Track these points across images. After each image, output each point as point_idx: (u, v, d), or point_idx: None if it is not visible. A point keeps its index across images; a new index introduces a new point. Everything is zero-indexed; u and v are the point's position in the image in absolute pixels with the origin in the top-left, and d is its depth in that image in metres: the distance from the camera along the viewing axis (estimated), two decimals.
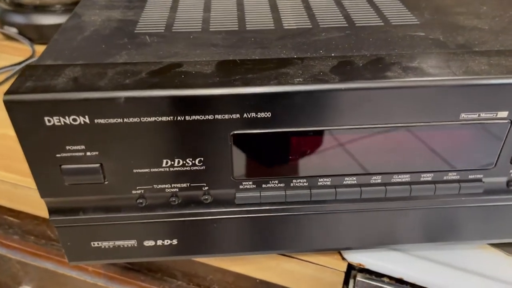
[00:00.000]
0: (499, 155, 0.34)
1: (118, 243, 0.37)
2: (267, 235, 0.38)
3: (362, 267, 0.42)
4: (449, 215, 0.38)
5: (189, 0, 0.44)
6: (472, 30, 0.37)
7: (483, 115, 0.32)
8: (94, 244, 0.37)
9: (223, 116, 0.30)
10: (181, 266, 0.53)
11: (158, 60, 0.33)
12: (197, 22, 0.39)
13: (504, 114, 0.32)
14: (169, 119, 0.30)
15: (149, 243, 0.37)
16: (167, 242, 0.37)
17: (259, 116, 0.31)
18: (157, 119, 0.30)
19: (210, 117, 0.30)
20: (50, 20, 0.76)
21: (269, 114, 0.31)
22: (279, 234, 0.38)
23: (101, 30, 0.38)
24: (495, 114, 0.32)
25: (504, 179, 0.36)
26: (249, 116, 0.31)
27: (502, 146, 0.34)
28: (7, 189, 0.50)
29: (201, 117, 0.30)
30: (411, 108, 0.31)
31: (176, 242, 0.38)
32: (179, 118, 0.30)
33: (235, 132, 0.31)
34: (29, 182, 0.48)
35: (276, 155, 0.33)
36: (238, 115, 0.30)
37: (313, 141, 0.32)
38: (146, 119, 0.30)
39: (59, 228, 0.36)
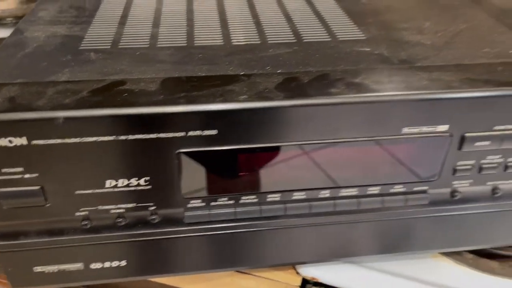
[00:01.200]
0: (441, 168, 0.35)
1: (63, 267, 0.36)
2: (220, 253, 0.38)
3: (316, 281, 0.43)
4: (398, 226, 0.39)
5: (139, 15, 0.44)
6: (415, 45, 0.38)
7: (424, 129, 0.33)
8: (37, 269, 0.35)
9: (167, 135, 0.30)
10: (137, 286, 0.52)
11: (101, 78, 0.32)
12: (145, 37, 0.39)
13: (444, 127, 0.33)
14: (111, 138, 0.29)
15: (96, 265, 0.36)
16: (116, 263, 0.36)
17: (204, 134, 0.30)
18: (98, 139, 0.29)
19: (154, 136, 0.30)
20: (2, 34, 0.74)
21: (215, 132, 0.30)
22: (231, 251, 0.38)
23: (44, 47, 0.36)
24: (435, 128, 0.33)
25: (448, 190, 0.37)
26: (194, 134, 0.30)
27: (444, 158, 0.34)
28: None
29: (144, 136, 0.30)
30: (356, 123, 0.32)
31: (125, 263, 0.37)
32: (121, 137, 0.29)
33: (181, 150, 0.31)
34: None
35: (224, 172, 0.33)
36: (183, 133, 0.30)
37: (261, 157, 0.32)
38: (87, 139, 0.29)
39: None
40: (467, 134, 0.33)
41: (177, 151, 0.31)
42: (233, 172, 0.33)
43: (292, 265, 0.43)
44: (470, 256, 0.45)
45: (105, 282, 0.38)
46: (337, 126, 0.32)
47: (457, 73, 0.33)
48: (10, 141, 0.29)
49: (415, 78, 0.33)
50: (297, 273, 0.43)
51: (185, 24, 0.42)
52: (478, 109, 0.32)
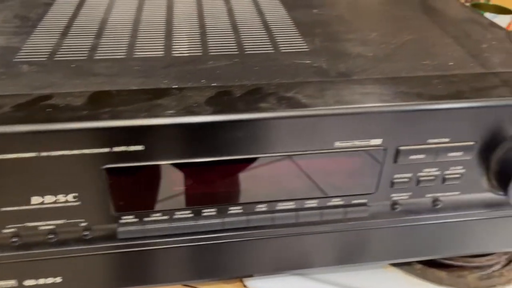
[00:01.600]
0: (378, 181, 0.35)
1: None
2: (158, 267, 0.37)
3: None
4: (344, 238, 0.39)
5: (83, 25, 0.43)
6: (357, 57, 0.38)
7: (357, 143, 0.32)
8: None
9: (92, 151, 0.29)
10: None
11: (29, 92, 0.31)
12: (84, 49, 0.38)
13: (377, 141, 0.33)
14: (34, 155, 0.29)
15: (30, 282, 0.35)
16: (50, 280, 0.36)
17: (130, 149, 0.30)
18: (21, 155, 0.29)
19: (77, 152, 0.29)
20: None
21: (141, 147, 0.30)
22: (170, 266, 0.37)
23: None
24: (368, 142, 0.33)
25: (388, 203, 0.37)
26: (119, 150, 0.30)
27: (380, 172, 0.34)
28: None
29: (67, 153, 0.29)
30: (287, 138, 0.32)
31: (60, 280, 0.36)
32: (43, 154, 0.29)
33: (108, 166, 0.30)
34: None
35: (153, 187, 0.32)
36: (108, 149, 0.30)
37: (190, 172, 0.32)
38: (8, 156, 0.29)
39: None
40: (401, 148, 0.33)
41: (103, 167, 0.30)
42: (162, 187, 0.32)
43: (239, 278, 0.42)
44: (419, 266, 0.45)
45: None
46: (268, 141, 0.31)
47: (392, 86, 0.33)
48: None
49: (348, 92, 0.33)
50: (244, 286, 0.42)
51: (129, 35, 0.41)
52: (410, 122, 0.32)
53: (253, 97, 0.32)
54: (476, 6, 0.92)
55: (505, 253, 0.47)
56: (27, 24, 0.43)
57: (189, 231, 0.35)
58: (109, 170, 0.30)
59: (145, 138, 0.30)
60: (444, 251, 0.42)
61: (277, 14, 0.48)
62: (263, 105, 0.31)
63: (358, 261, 0.41)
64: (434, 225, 0.39)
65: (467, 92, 0.33)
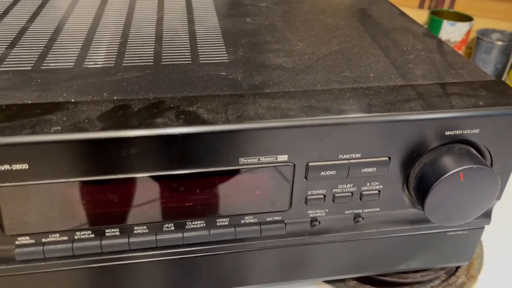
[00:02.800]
0: (291, 197, 0.34)
1: None
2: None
3: None
4: (266, 257, 0.37)
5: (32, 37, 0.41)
6: (275, 69, 0.37)
7: (263, 159, 0.31)
8: None
9: None
10: None
11: None
12: None
13: (284, 157, 0.31)
14: None
15: None
16: None
17: (14, 168, 0.28)
18: None
19: None
20: None
21: (26, 166, 0.28)
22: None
23: None
24: (275, 158, 0.31)
25: (306, 220, 0.35)
26: (3, 168, 0.28)
27: (292, 188, 0.33)
28: None
29: None
30: (188, 155, 0.30)
31: None
32: None
33: None
34: None
35: (42, 208, 0.30)
36: None
37: (80, 191, 0.30)
38: None
39: None
40: (310, 164, 0.32)
41: None
42: (52, 207, 0.31)
43: None
44: (353, 283, 0.44)
45: None
46: (168, 159, 0.30)
47: (301, 100, 0.32)
48: None
49: (253, 107, 0.31)
50: None
51: (44, 45, 0.40)
52: (318, 138, 0.31)
53: (151, 112, 0.30)
54: (436, 14, 0.92)
55: (442, 268, 0.46)
56: None
57: (92, 251, 0.33)
58: None
59: (29, 156, 0.28)
60: (373, 268, 0.41)
61: (207, 23, 0.46)
62: (159, 120, 0.29)
63: (288, 279, 0.40)
64: (358, 242, 0.38)
65: (377, 105, 0.32)
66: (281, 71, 0.37)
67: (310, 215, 0.35)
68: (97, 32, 0.43)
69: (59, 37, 0.41)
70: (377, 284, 0.44)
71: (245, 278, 0.39)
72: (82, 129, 0.28)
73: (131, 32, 0.43)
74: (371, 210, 0.36)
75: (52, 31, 0.43)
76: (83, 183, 0.30)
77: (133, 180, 0.30)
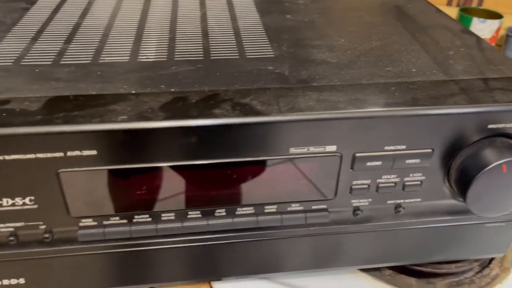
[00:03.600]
0: (336, 187, 0.35)
1: None
2: (121, 270, 0.38)
3: None
4: (308, 244, 0.39)
5: (55, 30, 0.44)
6: (320, 63, 0.38)
7: (312, 149, 0.33)
8: None
9: (46, 155, 0.30)
10: None
11: None
12: (52, 54, 0.39)
13: (332, 148, 0.33)
14: None
15: None
16: (14, 281, 0.36)
17: (84, 154, 0.30)
18: None
19: (32, 156, 0.30)
20: None
21: (94, 152, 0.30)
22: (133, 269, 0.38)
23: None
24: (323, 148, 0.33)
25: (349, 209, 0.37)
26: (73, 154, 0.30)
27: (338, 177, 0.35)
28: None
29: (21, 157, 0.30)
30: (242, 144, 0.32)
31: (23, 281, 0.36)
32: None
33: (62, 170, 0.31)
34: None
35: (108, 191, 0.33)
36: (62, 153, 0.30)
37: (145, 177, 0.32)
38: None
39: None
40: (357, 154, 0.33)
41: (58, 171, 0.31)
42: (118, 191, 0.33)
43: (207, 281, 0.43)
44: (388, 272, 0.45)
45: None
46: (223, 147, 0.32)
47: (348, 93, 0.34)
48: None
49: (303, 99, 0.33)
50: None
51: (98, 40, 0.42)
52: (366, 129, 0.32)
53: (208, 103, 0.32)
54: (465, 11, 0.92)
55: (477, 260, 0.47)
56: (1, 29, 0.43)
57: (149, 234, 0.35)
58: (64, 174, 0.31)
59: (98, 143, 0.30)
60: (410, 257, 0.42)
61: (249, 20, 0.48)
62: (216, 111, 0.31)
63: (324, 267, 0.41)
64: (398, 232, 0.39)
65: (423, 99, 0.33)
66: (326, 66, 0.38)
67: (354, 204, 0.37)
68: (145, 28, 0.45)
69: (111, 33, 0.44)
70: (412, 274, 0.46)
71: (283, 265, 0.41)
72: (147, 118, 0.30)
73: (178, 28, 0.45)
74: (412, 200, 0.37)
75: (104, 27, 0.45)
76: (145, 169, 0.32)
77: (190, 167, 0.32)
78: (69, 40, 0.42)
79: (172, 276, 0.40)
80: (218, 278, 0.42)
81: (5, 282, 0.36)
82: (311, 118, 0.31)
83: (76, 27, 0.45)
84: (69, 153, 0.30)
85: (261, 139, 0.32)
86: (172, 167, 0.32)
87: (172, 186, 0.33)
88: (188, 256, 0.38)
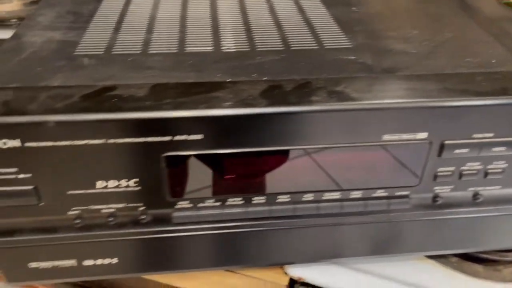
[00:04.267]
0: (422, 173, 0.36)
1: (56, 263, 0.37)
2: (208, 252, 0.39)
3: (302, 281, 0.44)
4: (383, 229, 0.40)
5: (133, 21, 0.45)
6: (399, 54, 0.39)
7: (404, 136, 0.34)
8: (31, 265, 0.37)
9: (154, 139, 0.31)
10: (132, 283, 0.53)
11: (92, 83, 0.33)
12: (137, 44, 0.40)
13: (423, 135, 0.34)
14: (100, 142, 0.31)
15: (88, 262, 0.38)
16: (107, 261, 0.38)
17: (190, 138, 0.32)
18: (88, 142, 0.31)
19: (141, 140, 0.31)
20: (6, 35, 0.75)
21: (200, 136, 0.32)
22: (220, 251, 0.39)
23: (39, 52, 0.38)
24: (414, 136, 0.34)
25: (429, 195, 0.38)
26: (180, 139, 0.32)
27: (425, 164, 0.36)
28: None
29: (132, 140, 0.31)
30: (336, 130, 0.33)
31: (116, 261, 0.38)
32: (110, 141, 0.31)
33: (168, 154, 0.32)
34: None
35: (209, 175, 0.34)
36: (169, 138, 0.31)
37: (245, 161, 0.34)
38: (78, 142, 0.31)
39: None
40: (446, 142, 0.34)
41: (164, 154, 0.32)
42: (218, 174, 0.34)
43: (281, 265, 0.44)
44: (454, 259, 0.46)
45: (98, 279, 0.40)
46: (318, 133, 0.33)
47: (436, 83, 0.35)
48: (4, 143, 0.30)
49: (394, 87, 0.34)
50: (285, 273, 0.44)
51: (178, 31, 0.43)
52: (456, 118, 0.33)
53: (303, 91, 0.33)
54: (509, 5, 0.92)
55: None
56: (81, 19, 0.45)
57: (240, 217, 0.36)
58: (169, 157, 0.32)
59: (204, 128, 0.31)
60: (483, 244, 0.43)
61: (317, 11, 0.49)
62: (313, 98, 0.32)
63: (396, 252, 0.42)
64: (474, 219, 0.40)
65: (511, 88, 0.34)
66: (406, 56, 0.39)
67: (436, 191, 0.38)
68: (219, 19, 0.46)
69: (187, 24, 0.45)
70: (477, 261, 0.47)
71: (354, 250, 0.42)
72: (251, 104, 0.31)
73: (250, 20, 0.46)
74: (492, 187, 0.38)
75: (178, 18, 0.46)
76: (245, 154, 0.33)
77: (286, 152, 0.34)
78: (149, 30, 0.43)
79: (252, 259, 0.41)
80: (292, 262, 0.43)
81: (99, 261, 0.38)
82: (405, 106, 0.32)
83: (152, 18, 0.46)
84: (176, 137, 0.31)
85: (356, 126, 0.33)
86: (269, 152, 0.33)
87: (267, 170, 0.35)
88: (271, 240, 0.39)
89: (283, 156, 0.34)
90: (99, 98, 0.32)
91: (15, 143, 0.30)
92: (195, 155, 0.32)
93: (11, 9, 0.77)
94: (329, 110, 0.32)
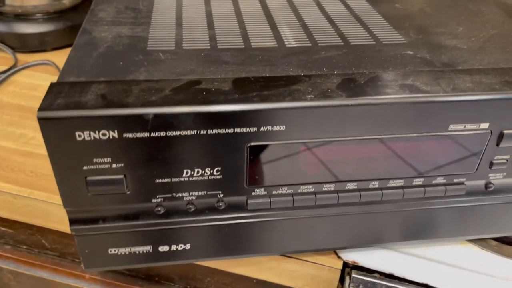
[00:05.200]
0: (480, 161, 0.39)
1: (134, 249, 0.39)
2: (274, 238, 0.41)
3: (356, 264, 0.46)
4: (435, 215, 0.43)
5: (191, 16, 0.47)
6: (453, 49, 0.42)
7: (468, 126, 0.36)
8: (111, 251, 0.39)
9: (242, 130, 0.33)
10: (179, 270, 0.55)
11: (177, 78, 0.35)
12: (204, 39, 0.42)
13: (485, 125, 0.36)
14: (193, 133, 0.33)
15: (163, 248, 0.39)
16: (181, 247, 0.40)
17: (274, 129, 0.34)
18: (181, 133, 0.33)
19: (230, 130, 0.33)
20: (32, 29, 0.76)
21: (283, 127, 0.34)
22: (284, 237, 0.41)
23: (114, 47, 0.39)
24: (478, 126, 0.36)
25: (483, 182, 0.41)
26: (265, 129, 0.34)
27: (483, 153, 0.38)
28: (6, 199, 0.51)
29: (222, 131, 0.33)
30: (408, 121, 0.35)
31: (189, 247, 0.40)
32: (201, 132, 0.33)
33: (252, 144, 0.34)
34: (28, 192, 0.49)
35: (287, 164, 0.36)
36: (255, 129, 0.33)
37: (321, 151, 0.36)
38: (171, 133, 0.32)
39: (78, 237, 0.37)
40: (505, 131, 0.37)
41: (249, 144, 0.34)
42: (295, 164, 0.36)
43: (335, 250, 0.46)
44: (494, 243, 0.49)
45: (168, 264, 0.42)
46: (391, 124, 0.35)
47: (496, 76, 0.37)
48: (104, 134, 0.32)
49: (460, 81, 0.36)
50: (338, 257, 0.46)
51: (238, 27, 0.45)
52: None
53: (376, 84, 0.35)
54: None
55: None
56: (141, 15, 0.47)
57: (309, 204, 0.39)
58: (253, 147, 0.34)
59: (287, 119, 0.34)
60: None
61: (363, 8, 0.51)
62: (387, 90, 0.35)
63: (446, 237, 0.45)
64: None
65: None
66: (460, 51, 0.41)
67: (489, 178, 0.40)
68: (273, 15, 0.48)
69: (244, 20, 0.47)
70: None
71: (404, 234, 0.45)
72: (332, 97, 0.34)
73: (303, 16, 0.48)
74: None
75: (233, 13, 0.48)
76: (325, 143, 0.35)
77: (358, 142, 0.36)
78: (211, 26, 0.45)
79: (310, 244, 0.43)
80: (344, 247, 0.46)
81: (173, 247, 0.40)
82: (474, 98, 0.35)
83: (209, 14, 0.48)
84: (262, 128, 0.33)
85: (426, 116, 0.35)
86: (344, 141, 0.35)
87: (341, 159, 0.37)
88: (331, 226, 0.42)
89: (353, 146, 0.36)
90: (189, 91, 0.33)
91: (114, 134, 0.32)
92: (277, 145, 0.34)
93: (38, 3, 0.77)
94: (405, 102, 0.34)
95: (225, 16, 0.47)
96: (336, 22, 0.47)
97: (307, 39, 0.43)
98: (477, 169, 0.39)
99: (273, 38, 0.43)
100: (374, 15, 0.49)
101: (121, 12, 0.47)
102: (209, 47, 0.41)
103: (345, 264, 0.47)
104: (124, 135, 0.32)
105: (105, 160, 0.33)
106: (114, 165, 0.34)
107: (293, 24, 0.46)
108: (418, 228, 0.44)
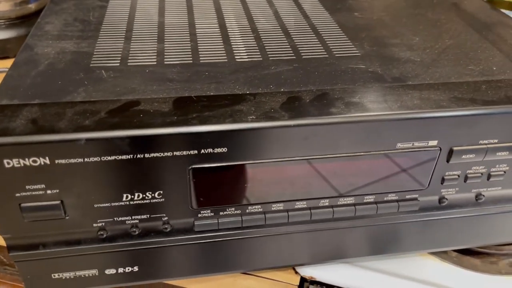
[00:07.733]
0: (431, 177, 0.38)
1: (79, 273, 0.38)
2: (225, 257, 0.40)
3: (313, 279, 0.46)
4: (391, 230, 0.42)
5: (142, 29, 0.45)
6: (406, 62, 0.41)
7: (416, 144, 0.36)
8: (54, 276, 0.37)
9: (182, 153, 0.32)
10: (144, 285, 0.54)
11: (115, 98, 0.34)
12: (151, 54, 0.41)
13: (434, 142, 0.36)
14: (129, 157, 0.32)
15: (110, 271, 0.38)
16: (128, 269, 0.39)
17: (215, 151, 0.33)
18: (117, 157, 0.31)
19: (169, 154, 0.32)
20: None
21: (225, 149, 0.33)
22: (236, 256, 0.40)
23: (55, 64, 0.38)
24: (426, 143, 0.36)
25: (436, 197, 0.40)
26: (206, 152, 0.33)
27: (433, 169, 0.38)
28: None
29: (160, 154, 0.32)
30: (353, 140, 0.35)
31: (137, 269, 0.39)
32: (138, 156, 0.32)
33: (194, 166, 0.33)
34: None
35: (231, 185, 0.35)
36: (196, 151, 0.32)
37: (266, 171, 0.35)
38: (106, 158, 0.31)
39: (18, 263, 0.36)
40: (455, 148, 0.36)
41: (190, 167, 0.33)
42: (240, 184, 0.35)
43: (292, 266, 0.46)
44: (454, 254, 0.49)
45: (117, 286, 0.41)
46: (336, 143, 0.34)
47: (445, 92, 0.36)
48: (34, 161, 0.30)
49: (407, 97, 0.35)
50: (296, 272, 0.46)
51: (189, 39, 0.44)
52: (464, 125, 0.35)
53: (322, 102, 0.35)
54: (492, 2, 0.95)
55: None
56: (90, 28, 0.45)
57: (258, 224, 0.38)
58: (195, 170, 0.33)
59: (229, 141, 0.33)
60: (483, 240, 0.45)
61: (321, 17, 0.50)
62: (333, 109, 0.34)
63: (403, 251, 0.45)
64: (475, 217, 0.42)
65: None
66: (412, 64, 0.41)
67: (442, 194, 0.40)
68: (228, 27, 0.47)
69: (197, 32, 0.45)
70: (475, 255, 0.49)
71: (361, 250, 0.44)
72: (274, 118, 0.33)
73: (258, 27, 0.47)
74: (493, 189, 0.40)
75: (186, 25, 0.47)
76: (267, 164, 0.34)
77: (306, 161, 0.35)
78: (161, 39, 0.44)
79: (265, 262, 0.42)
80: (302, 264, 0.45)
81: (120, 270, 0.39)
82: (420, 116, 0.34)
83: (161, 25, 0.46)
84: (202, 151, 0.32)
85: (372, 135, 0.34)
86: (289, 161, 0.35)
87: (287, 178, 0.36)
88: (286, 243, 0.41)
89: (301, 165, 0.35)
90: (126, 113, 0.32)
91: (45, 160, 0.31)
92: (219, 167, 0.34)
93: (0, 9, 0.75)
94: (349, 121, 0.33)
95: (178, 28, 0.46)
96: (291, 33, 0.46)
97: (259, 53, 0.42)
98: (429, 185, 0.39)
99: (224, 52, 0.42)
100: (331, 25, 0.48)
101: (69, 24, 0.45)
102: (155, 63, 0.39)
103: (303, 280, 0.46)
104: (57, 161, 0.31)
105: (39, 186, 0.32)
106: (49, 191, 0.32)
107: (247, 36, 0.45)
108: (376, 244, 0.44)
